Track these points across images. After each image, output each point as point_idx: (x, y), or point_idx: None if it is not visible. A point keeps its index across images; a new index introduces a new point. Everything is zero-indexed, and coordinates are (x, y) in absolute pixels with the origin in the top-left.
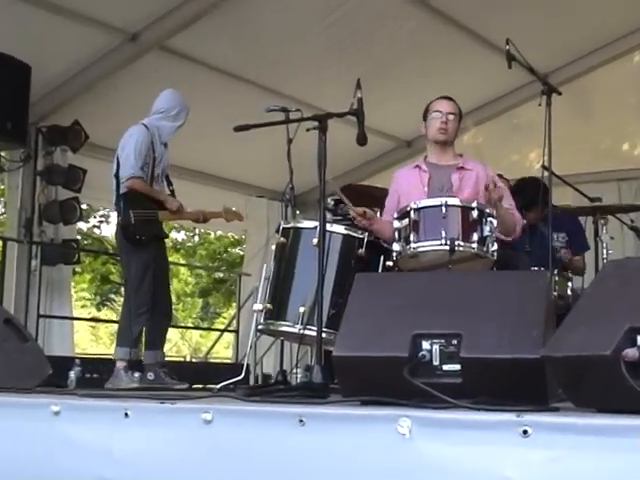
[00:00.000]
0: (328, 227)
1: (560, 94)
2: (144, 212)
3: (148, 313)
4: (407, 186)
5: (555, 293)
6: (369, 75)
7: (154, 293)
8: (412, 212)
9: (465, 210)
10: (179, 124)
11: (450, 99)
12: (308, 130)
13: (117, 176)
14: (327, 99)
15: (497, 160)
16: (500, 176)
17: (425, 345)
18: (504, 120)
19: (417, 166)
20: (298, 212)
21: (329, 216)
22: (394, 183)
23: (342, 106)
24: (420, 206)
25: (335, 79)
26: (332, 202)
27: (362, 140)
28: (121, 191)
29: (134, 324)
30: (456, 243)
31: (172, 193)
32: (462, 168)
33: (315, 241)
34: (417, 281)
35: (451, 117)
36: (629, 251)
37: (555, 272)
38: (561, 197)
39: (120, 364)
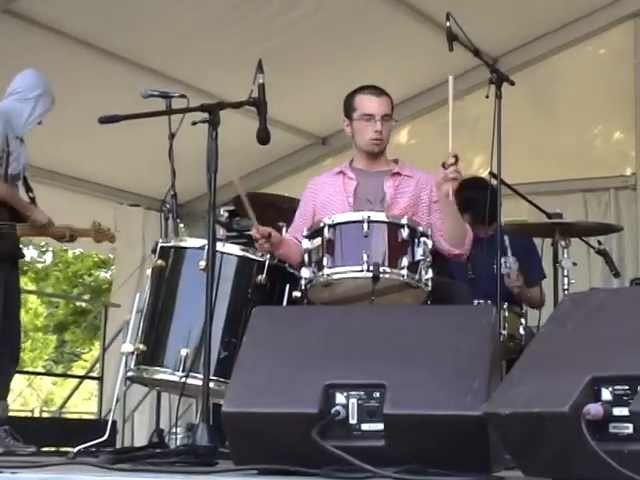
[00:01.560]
0: (219, 247)
1: (512, 84)
2: None
3: None
4: (327, 196)
5: (504, 332)
6: (275, 55)
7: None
8: (326, 229)
9: (393, 227)
10: (40, 112)
11: (382, 92)
12: (194, 123)
13: None
14: (223, 83)
15: (434, 165)
16: None
17: (340, 398)
18: (444, 115)
19: (341, 172)
20: (182, 226)
21: (221, 232)
22: (308, 192)
23: (243, 93)
24: (336, 222)
25: (232, 58)
26: (226, 214)
27: (263, 137)
28: None
29: None
30: (381, 269)
31: (33, 201)
32: (397, 174)
33: (202, 264)
34: (331, 317)
35: (385, 120)
36: (596, 280)
37: (505, 306)
38: (513, 212)
39: None
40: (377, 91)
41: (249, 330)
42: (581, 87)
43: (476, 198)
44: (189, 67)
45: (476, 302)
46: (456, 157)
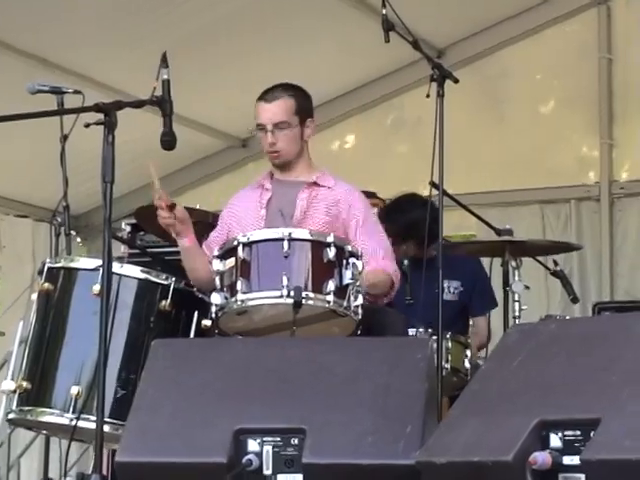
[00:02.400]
0: (116, 268)
1: (456, 82)
2: None
3: None
4: (242, 210)
5: (447, 366)
6: (188, 45)
7: None
8: (240, 248)
9: (317, 246)
10: None
11: (276, 96)
12: (87, 126)
13: None
14: (129, 77)
15: (369, 173)
16: (371, 195)
17: (252, 446)
18: (380, 116)
19: (260, 185)
20: (80, 241)
21: (122, 249)
22: (227, 206)
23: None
24: (252, 239)
25: (141, 49)
26: (128, 227)
27: (168, 141)
28: None
29: None
30: (303, 294)
31: None
32: (314, 185)
33: (96, 289)
34: (243, 350)
35: (280, 129)
36: (555, 306)
37: (448, 336)
38: (459, 226)
39: None
40: (270, 96)
41: (148, 366)
42: (537, 84)
43: (417, 221)
44: (88, 58)
45: (414, 331)
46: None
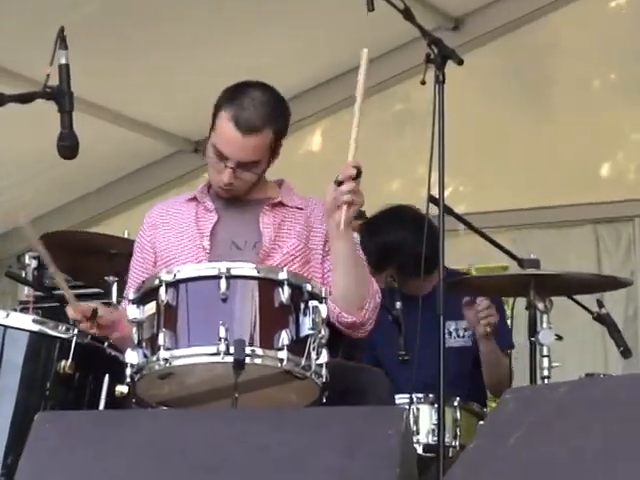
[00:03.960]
0: (1, 318)
1: (460, 63)
2: None
3: None
4: (171, 237)
5: (455, 444)
6: (124, 26)
7: None
8: (162, 290)
9: (266, 286)
10: None
11: (254, 127)
12: None
13: None
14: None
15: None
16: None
17: None
18: (377, 108)
19: (194, 198)
20: None
21: (27, 292)
22: (146, 229)
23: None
24: (178, 277)
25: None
26: (33, 262)
27: (67, 147)
28: None
29: None
30: (247, 350)
31: None
32: (280, 205)
33: None
34: (155, 428)
35: (247, 169)
36: (600, 361)
37: (456, 403)
38: (487, 255)
39: None
40: (246, 125)
41: (28, 448)
42: (591, 64)
43: (402, 241)
44: None
45: (406, 398)
46: (358, 169)
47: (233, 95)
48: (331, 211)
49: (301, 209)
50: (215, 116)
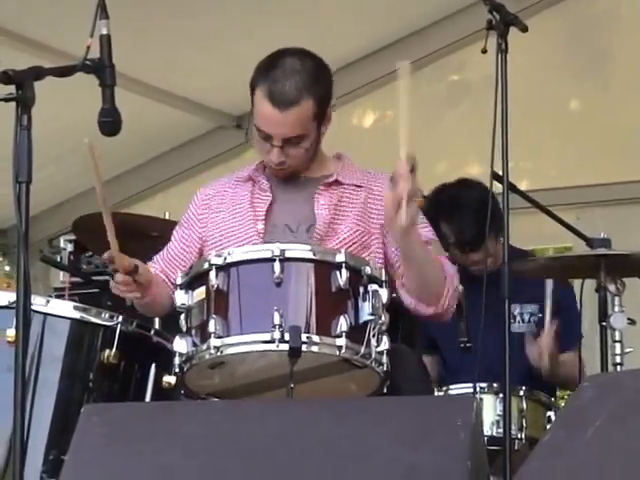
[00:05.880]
0: (38, 305)
1: (525, 30)
2: None
3: None
4: (224, 217)
5: (521, 435)
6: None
7: None
8: (213, 274)
9: (322, 269)
10: None
11: (291, 100)
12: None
13: None
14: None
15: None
16: None
17: None
18: (434, 78)
19: (250, 179)
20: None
21: (62, 277)
22: (196, 207)
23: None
24: (229, 261)
25: None
26: (68, 246)
27: (109, 122)
28: None
29: None
30: (303, 337)
31: None
32: (337, 184)
33: (11, 334)
34: (210, 420)
35: (295, 143)
36: None
37: (522, 392)
38: (553, 234)
39: None
40: (282, 100)
41: (74, 444)
42: None
43: (465, 205)
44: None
45: (468, 388)
46: (412, 165)
47: (265, 69)
48: (392, 213)
49: (360, 187)
50: (252, 95)
